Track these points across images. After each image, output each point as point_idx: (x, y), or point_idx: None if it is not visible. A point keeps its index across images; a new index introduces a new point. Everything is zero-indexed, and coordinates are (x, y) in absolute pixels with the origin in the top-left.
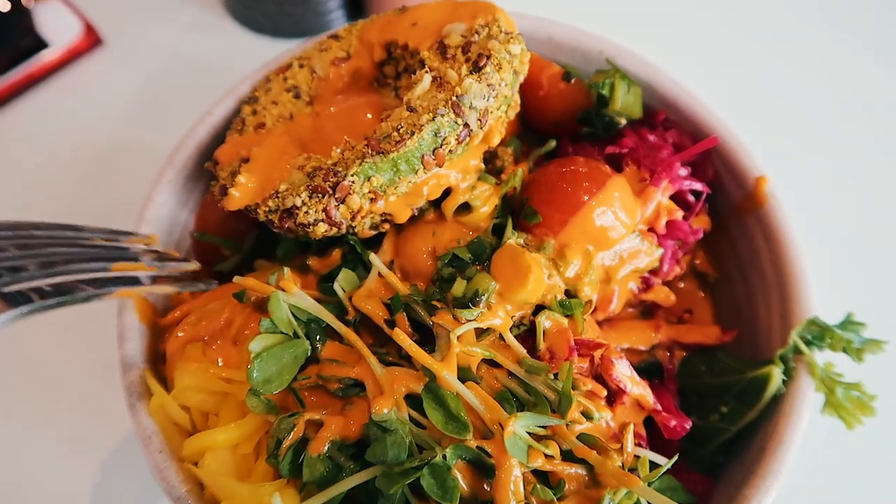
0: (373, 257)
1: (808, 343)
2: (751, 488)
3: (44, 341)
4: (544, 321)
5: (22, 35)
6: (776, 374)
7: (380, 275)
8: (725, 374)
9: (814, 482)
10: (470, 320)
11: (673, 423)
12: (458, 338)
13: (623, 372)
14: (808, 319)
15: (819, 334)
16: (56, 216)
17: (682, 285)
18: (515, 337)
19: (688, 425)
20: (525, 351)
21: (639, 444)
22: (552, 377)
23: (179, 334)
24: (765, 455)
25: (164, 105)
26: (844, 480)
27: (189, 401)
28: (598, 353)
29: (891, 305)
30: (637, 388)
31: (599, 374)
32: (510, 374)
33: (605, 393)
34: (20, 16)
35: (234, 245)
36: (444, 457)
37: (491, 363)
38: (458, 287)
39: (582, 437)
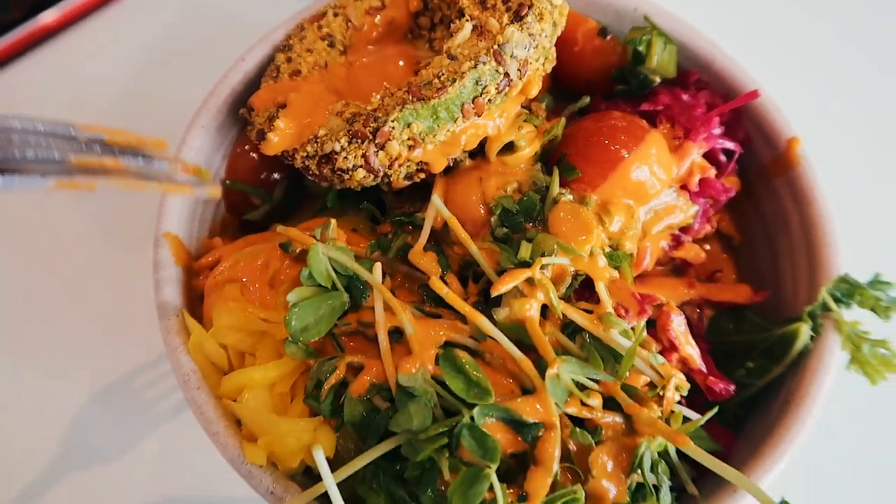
0: (437, 202)
1: (836, 301)
2: (773, 439)
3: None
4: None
5: None
6: (804, 329)
7: (435, 231)
8: (753, 332)
9: (836, 440)
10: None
11: (720, 386)
12: (532, 287)
13: (679, 329)
14: (839, 277)
15: (849, 292)
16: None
17: (707, 247)
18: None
19: (732, 388)
20: (610, 305)
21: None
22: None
23: (217, 275)
24: (789, 409)
25: (185, 56)
26: (866, 439)
27: (227, 339)
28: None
29: None
30: (689, 347)
31: (651, 329)
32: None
33: (658, 348)
34: None
35: (264, 195)
36: (472, 418)
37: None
38: (524, 250)
39: (623, 388)
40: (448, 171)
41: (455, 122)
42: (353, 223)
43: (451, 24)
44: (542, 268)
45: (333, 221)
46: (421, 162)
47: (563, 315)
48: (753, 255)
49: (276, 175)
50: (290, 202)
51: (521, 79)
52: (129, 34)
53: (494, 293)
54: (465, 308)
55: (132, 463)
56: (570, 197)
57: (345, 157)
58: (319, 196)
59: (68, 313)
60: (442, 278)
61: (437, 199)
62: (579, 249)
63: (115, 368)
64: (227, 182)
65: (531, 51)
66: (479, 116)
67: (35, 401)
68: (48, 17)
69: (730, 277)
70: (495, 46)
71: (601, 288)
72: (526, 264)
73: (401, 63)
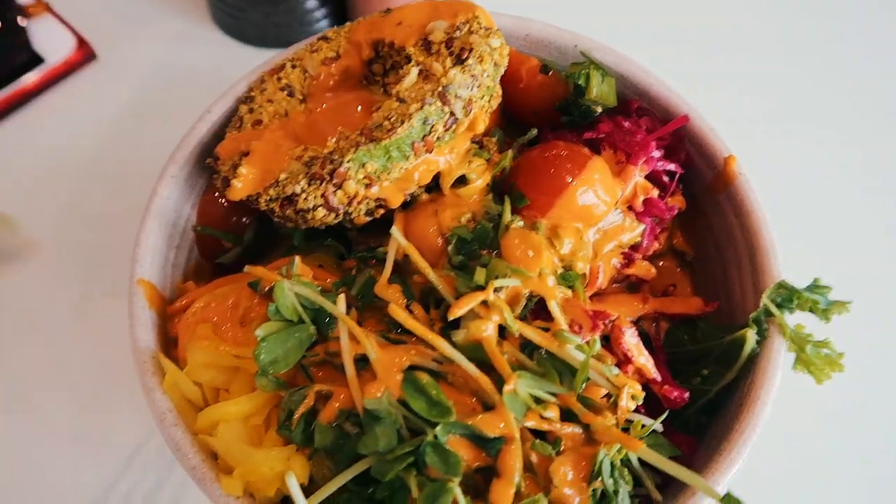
0: (396, 233)
1: (778, 305)
2: (729, 442)
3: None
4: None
5: (17, 51)
6: (750, 335)
7: (397, 263)
8: (706, 341)
9: (790, 436)
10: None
11: (674, 394)
12: (488, 309)
13: (631, 341)
14: (777, 283)
15: (788, 296)
16: (55, 224)
17: (661, 264)
18: (529, 311)
19: (686, 396)
20: (564, 323)
21: (636, 410)
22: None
23: (189, 317)
24: (742, 411)
25: (157, 115)
26: (817, 433)
27: (201, 377)
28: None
29: (857, 270)
30: (642, 357)
31: (607, 343)
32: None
33: (614, 361)
34: (15, 33)
35: (235, 238)
36: (436, 436)
37: None
38: (479, 275)
39: (580, 399)
40: (406, 205)
41: (407, 159)
42: (319, 260)
43: (401, 70)
44: (496, 290)
45: (298, 258)
46: (379, 199)
47: (521, 334)
48: (707, 268)
49: (245, 219)
50: (260, 244)
51: (466, 116)
52: (106, 94)
53: (451, 316)
54: (424, 331)
55: None
56: (521, 223)
57: (305, 198)
58: (288, 236)
59: (47, 366)
60: (407, 307)
61: (395, 231)
62: (529, 271)
63: (98, 419)
64: (199, 228)
65: (474, 90)
66: (429, 153)
67: (14, 453)
68: (29, 79)
69: (685, 291)
70: (440, 88)
71: (553, 306)
72: (481, 288)
73: (359, 108)
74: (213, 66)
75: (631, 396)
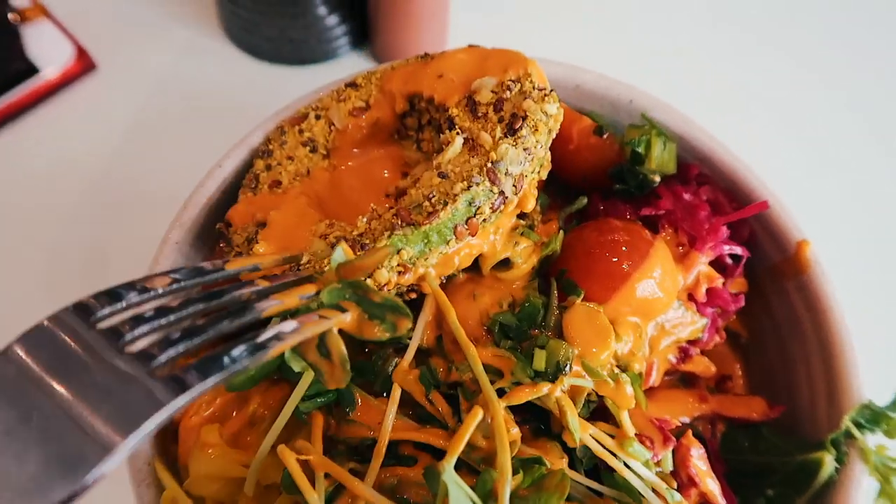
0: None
1: (860, 427)
2: None
3: None
4: None
5: (11, 60)
6: (829, 460)
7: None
8: (771, 454)
9: None
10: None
11: None
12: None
13: (699, 464)
14: (862, 404)
15: (873, 419)
16: (47, 244)
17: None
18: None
19: None
20: (633, 435)
21: None
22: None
23: (192, 415)
24: None
25: (159, 132)
26: None
27: (205, 490)
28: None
29: None
30: (710, 480)
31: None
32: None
33: (674, 485)
34: (9, 38)
35: None
36: None
37: None
38: (539, 360)
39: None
40: (441, 286)
41: (447, 244)
42: None
43: (440, 129)
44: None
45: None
46: (412, 284)
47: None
48: (763, 356)
49: None
50: None
51: (516, 195)
52: (105, 109)
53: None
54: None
55: None
56: None
57: None
58: None
59: None
60: (428, 398)
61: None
62: (598, 358)
63: None
64: None
65: (526, 164)
66: (472, 237)
67: None
68: (22, 90)
69: (739, 383)
70: (489, 164)
71: (625, 417)
72: (540, 375)
73: (385, 173)
74: (223, 82)
75: None
